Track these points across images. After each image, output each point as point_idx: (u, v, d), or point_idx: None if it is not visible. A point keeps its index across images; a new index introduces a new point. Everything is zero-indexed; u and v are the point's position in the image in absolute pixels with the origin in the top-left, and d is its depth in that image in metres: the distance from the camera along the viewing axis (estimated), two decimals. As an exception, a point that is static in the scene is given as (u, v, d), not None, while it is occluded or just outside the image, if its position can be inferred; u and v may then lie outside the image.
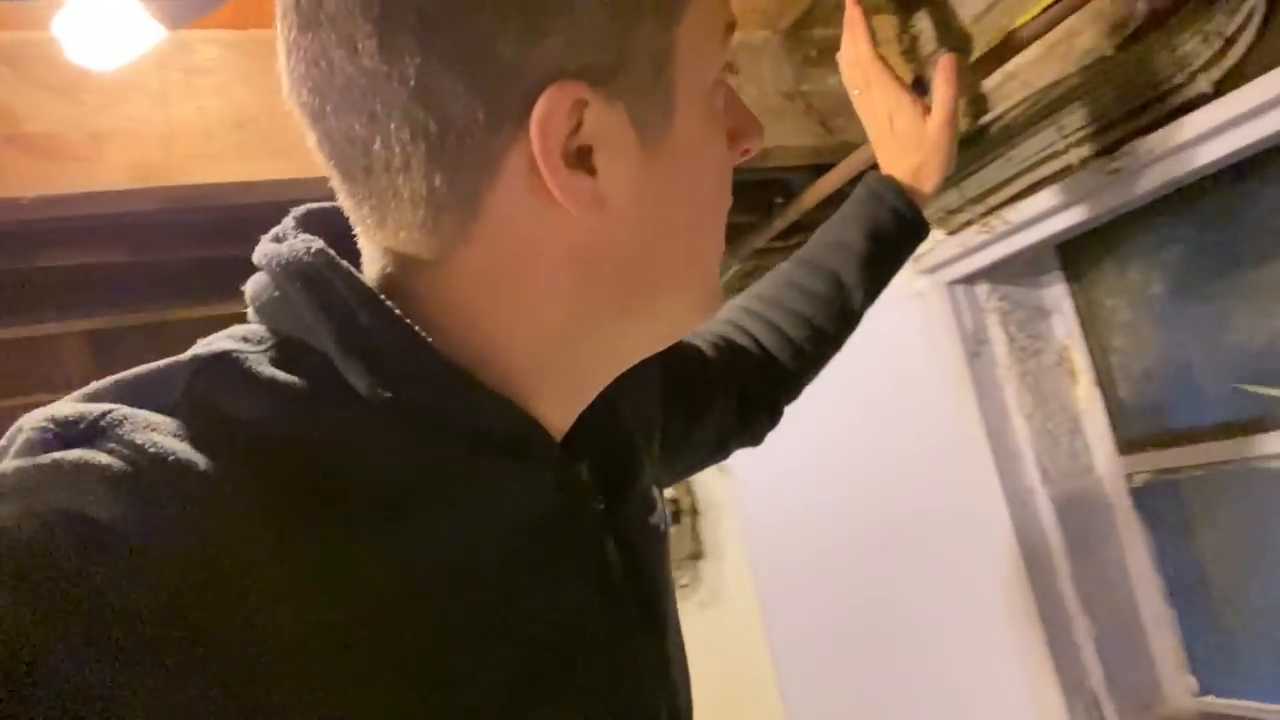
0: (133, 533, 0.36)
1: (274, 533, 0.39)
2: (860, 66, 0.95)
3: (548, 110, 0.41)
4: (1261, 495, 1.12)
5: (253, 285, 0.47)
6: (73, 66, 0.93)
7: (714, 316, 0.54)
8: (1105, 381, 1.30)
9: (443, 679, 0.43)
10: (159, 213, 1.08)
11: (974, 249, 1.27)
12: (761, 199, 1.45)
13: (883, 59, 0.94)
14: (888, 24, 1.24)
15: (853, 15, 0.95)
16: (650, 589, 0.56)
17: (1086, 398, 1.32)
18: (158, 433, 0.39)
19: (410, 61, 0.40)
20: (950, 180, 1.22)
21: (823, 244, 0.91)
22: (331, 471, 0.42)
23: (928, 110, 0.92)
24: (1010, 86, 1.21)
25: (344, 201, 0.47)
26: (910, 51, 1.26)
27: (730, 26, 0.49)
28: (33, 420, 0.39)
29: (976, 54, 1.22)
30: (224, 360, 0.43)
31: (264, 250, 0.47)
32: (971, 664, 1.35)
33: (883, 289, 0.92)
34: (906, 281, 0.93)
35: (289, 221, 0.49)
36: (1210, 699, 1.20)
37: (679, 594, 0.64)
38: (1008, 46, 1.05)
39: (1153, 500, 1.26)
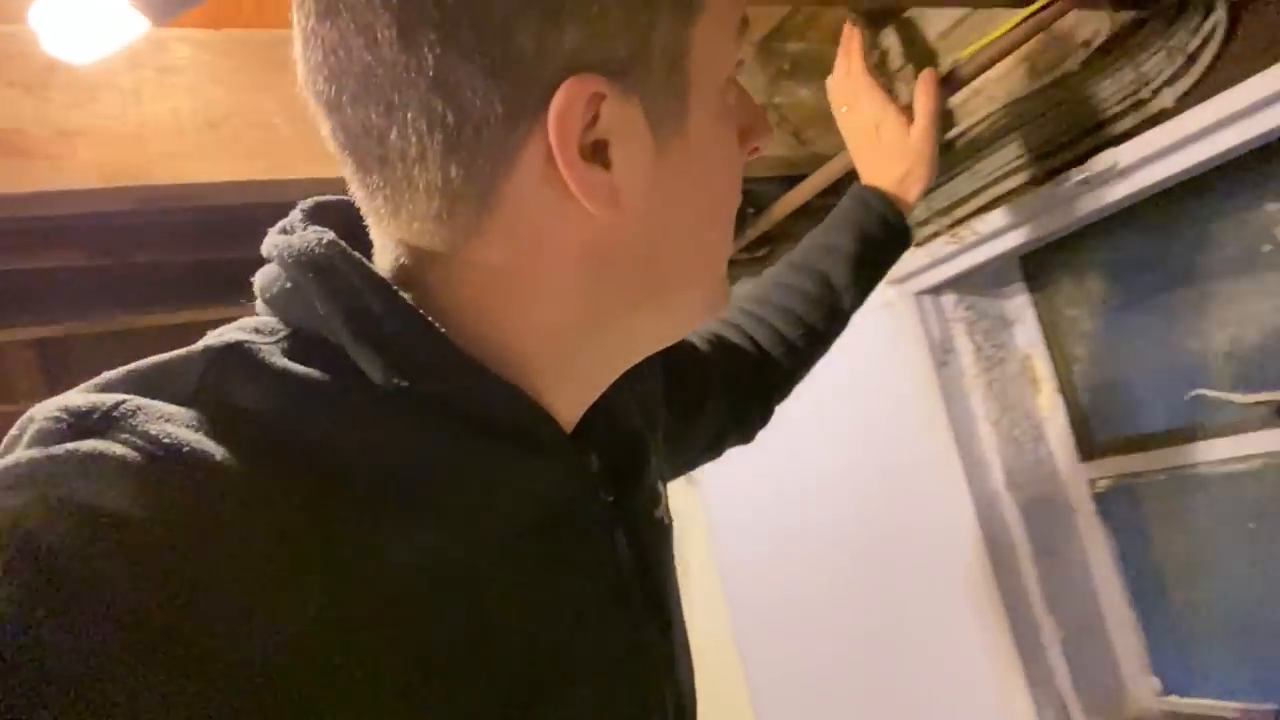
0: (147, 524, 0.35)
1: (291, 523, 0.39)
2: (851, 81, 1.00)
3: (565, 103, 0.41)
4: (1219, 498, 1.16)
5: (262, 277, 0.47)
6: (40, 62, 0.90)
7: (721, 314, 0.54)
8: (1067, 389, 1.34)
9: (462, 665, 0.42)
10: (122, 215, 1.06)
11: (941, 260, 1.30)
12: (732, 209, 1.46)
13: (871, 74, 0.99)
14: (856, 37, 1.26)
15: (850, 37, 1.01)
16: (657, 581, 0.57)
17: (1049, 405, 1.35)
18: (172, 423, 0.38)
19: (429, 52, 0.40)
20: (917, 193, 1.26)
21: (813, 248, 0.94)
22: (347, 462, 0.41)
23: (911, 121, 0.96)
24: (976, 102, 1.24)
25: (357, 192, 0.47)
26: (880, 66, 1.29)
27: (744, 23, 0.50)
28: (45, 410, 0.39)
29: (943, 70, 1.26)
30: (237, 351, 0.42)
31: (273, 242, 0.46)
32: (941, 667, 1.37)
33: (870, 292, 0.96)
34: (876, 292, 0.96)
35: (296, 214, 0.49)
36: (1173, 699, 1.23)
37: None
38: (974, 63, 1.08)
39: (1114, 505, 1.30)
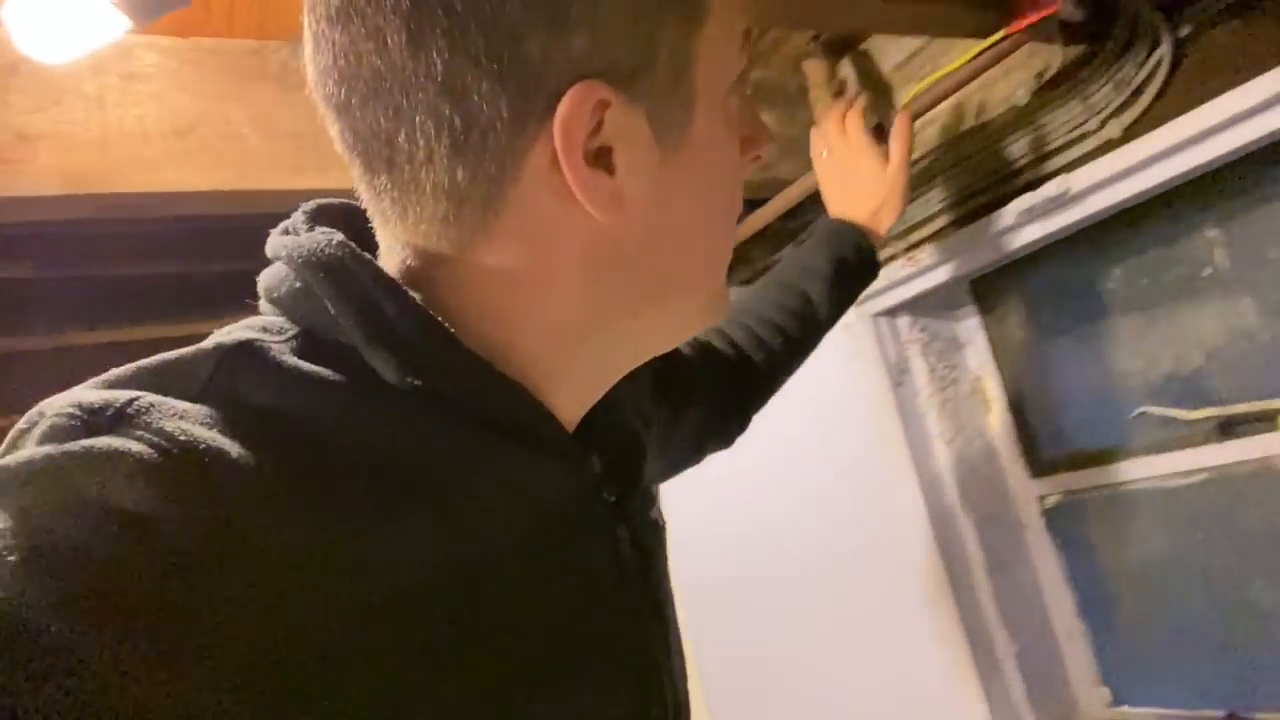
0: (166, 522, 0.35)
1: (308, 519, 0.39)
2: (843, 132, 1.08)
3: (571, 109, 0.41)
4: (1165, 512, 1.21)
5: (269, 277, 0.47)
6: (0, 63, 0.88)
7: (721, 319, 0.55)
8: (1016, 408, 1.38)
9: (474, 659, 0.43)
10: (78, 224, 1.03)
11: (897, 283, 1.34)
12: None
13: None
14: (819, 68, 1.31)
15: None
16: (656, 580, 0.57)
17: (999, 424, 1.39)
18: (186, 420, 0.38)
19: (438, 57, 0.40)
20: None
21: (792, 269, 1.00)
22: (359, 458, 0.41)
23: (886, 159, 1.04)
24: (930, 131, 1.29)
25: (364, 193, 0.47)
26: (841, 93, 1.32)
27: (748, 33, 0.51)
28: (56, 406, 0.38)
29: (899, 101, 1.31)
30: (248, 349, 0.42)
31: (279, 243, 0.47)
32: (899, 680, 1.38)
33: (842, 313, 1.02)
34: (836, 314, 1.01)
35: (299, 215, 0.49)
36: (1124, 709, 1.27)
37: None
38: (931, 94, 1.13)
39: (1063, 520, 1.34)
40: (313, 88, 0.46)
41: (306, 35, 0.45)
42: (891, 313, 1.40)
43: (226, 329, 0.45)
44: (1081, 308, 1.28)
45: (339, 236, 0.45)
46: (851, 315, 1.37)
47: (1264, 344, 1.07)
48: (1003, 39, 1.01)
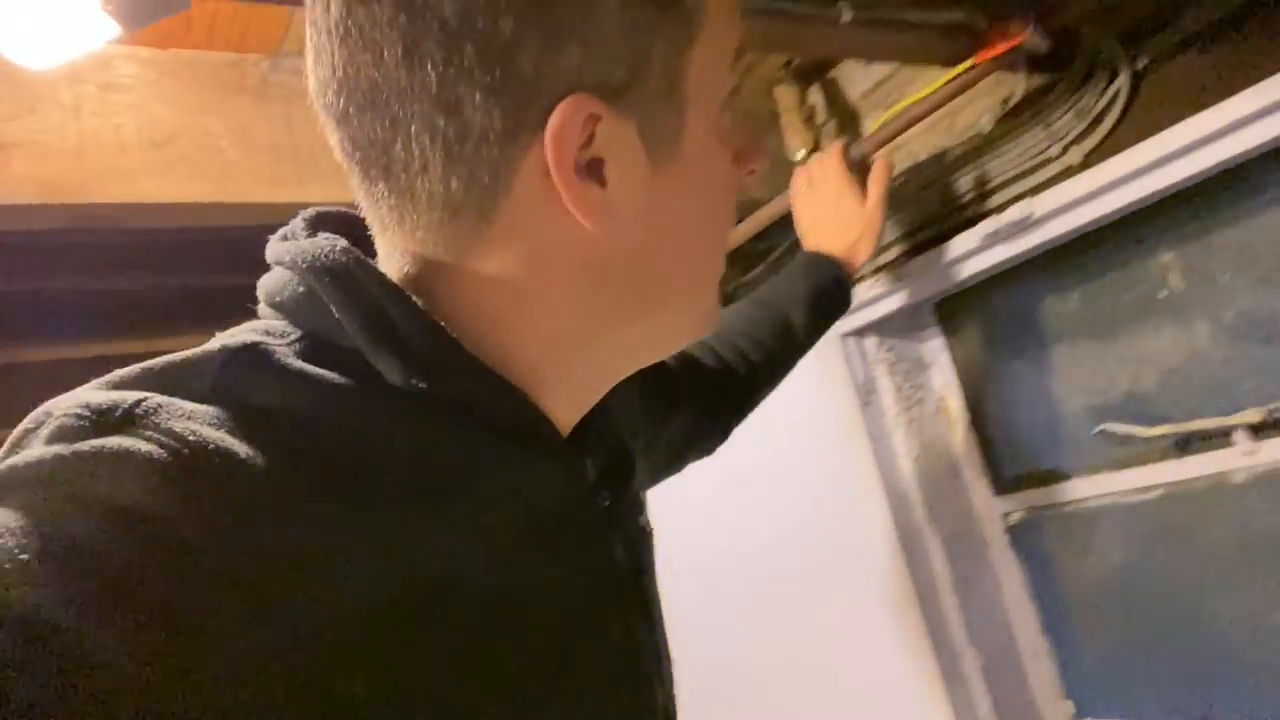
0: (178, 521, 0.36)
1: (317, 519, 0.39)
2: (820, 162, 1.15)
3: (562, 122, 0.42)
4: (1123, 527, 1.25)
5: (270, 282, 0.48)
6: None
7: (711, 331, 0.57)
8: (979, 427, 1.42)
9: (478, 658, 0.43)
10: (46, 235, 1.01)
11: (865, 304, 1.37)
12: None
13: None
14: (789, 94, 1.34)
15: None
16: (647, 584, 0.59)
17: (963, 443, 1.42)
18: (194, 421, 0.39)
19: (432, 70, 0.41)
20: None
21: (773, 292, 1.04)
22: (366, 459, 0.42)
23: (864, 196, 1.11)
24: (897, 156, 1.33)
25: (363, 201, 0.48)
26: (810, 120, 1.36)
27: (741, 50, 0.53)
28: (64, 406, 0.38)
29: (866, 128, 1.34)
30: (253, 351, 0.43)
31: (280, 249, 0.48)
32: (868, 696, 1.40)
33: (820, 337, 1.06)
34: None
35: (298, 223, 0.50)
36: (1087, 721, 1.30)
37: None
38: (899, 121, 1.17)
39: (1026, 537, 1.37)
40: (313, 97, 0.47)
41: (308, 47, 0.46)
42: (859, 333, 1.43)
43: (229, 332, 0.45)
44: (1042, 329, 1.32)
45: (343, 243, 0.46)
46: (820, 336, 1.40)
47: (1217, 363, 1.12)
48: (968, 69, 1.05)
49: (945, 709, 1.29)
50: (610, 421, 0.59)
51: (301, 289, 0.45)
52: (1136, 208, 1.08)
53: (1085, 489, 1.28)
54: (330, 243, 0.46)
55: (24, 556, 0.33)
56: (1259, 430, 1.09)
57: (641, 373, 0.70)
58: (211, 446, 0.38)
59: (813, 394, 1.43)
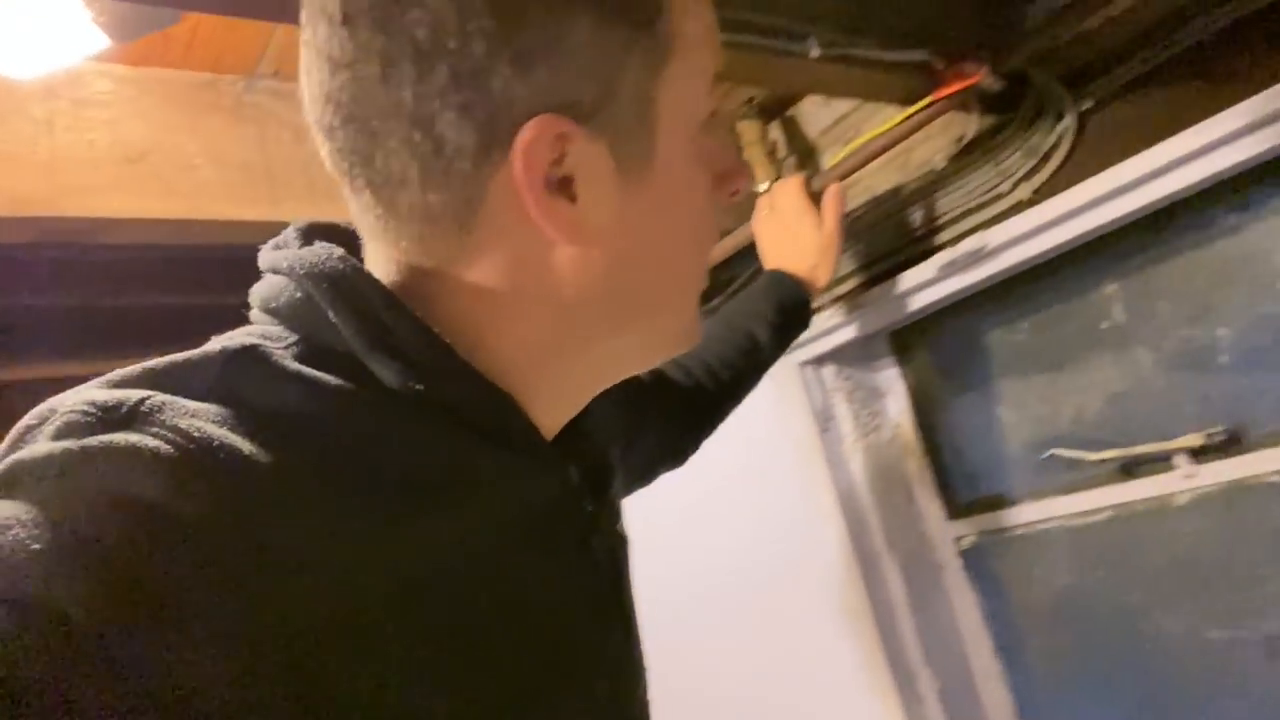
0: (186, 515, 0.36)
1: (319, 515, 0.40)
2: (781, 190, 1.20)
3: (530, 140, 0.44)
4: (1071, 550, 1.29)
5: (266, 288, 0.49)
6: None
7: (691, 347, 0.58)
8: (933, 453, 1.46)
9: (472, 657, 0.45)
10: (10, 249, 1.00)
11: (823, 333, 1.41)
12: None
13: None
14: (753, 129, 1.38)
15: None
16: (626, 589, 0.60)
17: (918, 469, 1.46)
18: (198, 418, 0.40)
19: (408, 89, 0.44)
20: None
21: (738, 311, 1.08)
22: (363, 459, 0.43)
23: (821, 224, 1.15)
24: (855, 191, 1.38)
25: (353, 210, 0.50)
26: (772, 154, 1.40)
27: (718, 76, 0.53)
28: (69, 403, 0.39)
29: (825, 164, 1.39)
30: (252, 353, 0.44)
31: (276, 256, 0.49)
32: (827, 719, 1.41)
33: (783, 352, 1.10)
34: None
35: (290, 232, 0.52)
36: (1039, 742, 1.33)
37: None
38: (857, 157, 1.22)
39: (979, 560, 1.41)
40: (306, 112, 0.49)
41: (301, 65, 0.48)
42: (818, 362, 1.47)
43: (227, 335, 0.46)
44: (992, 359, 1.37)
45: (340, 251, 0.48)
46: (779, 365, 1.43)
47: (1158, 390, 1.17)
48: (925, 106, 1.10)
49: (902, 730, 1.31)
50: (591, 431, 0.60)
51: (299, 295, 0.47)
52: (1081, 242, 1.14)
53: (1034, 513, 1.32)
54: (327, 250, 0.47)
55: (36, 547, 0.34)
56: (1198, 454, 1.14)
57: (615, 386, 0.72)
58: (216, 443, 0.39)
59: (773, 421, 1.46)
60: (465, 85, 0.43)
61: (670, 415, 0.91)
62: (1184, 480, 1.15)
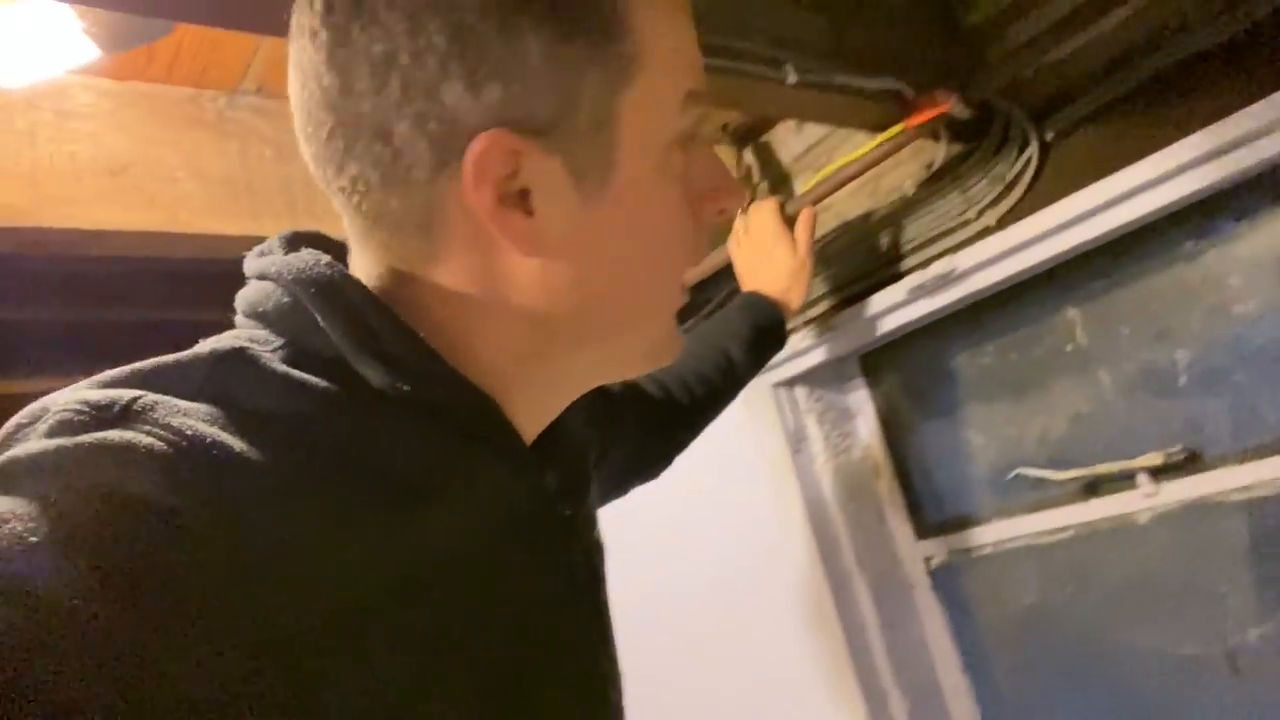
0: (180, 511, 0.37)
1: (310, 513, 0.42)
2: (755, 213, 1.24)
3: (479, 153, 0.45)
4: (1037, 568, 1.32)
5: (253, 293, 0.50)
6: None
7: (668, 363, 0.59)
8: (902, 474, 1.48)
9: (457, 653, 0.46)
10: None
11: (796, 354, 1.43)
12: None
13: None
14: (727, 154, 1.41)
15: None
16: (603, 596, 0.61)
17: (888, 490, 1.49)
18: (190, 417, 0.41)
19: (367, 100, 0.46)
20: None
21: (714, 330, 1.10)
22: (350, 458, 0.45)
23: (795, 247, 1.19)
24: (826, 216, 1.41)
25: (340, 213, 0.52)
26: (746, 179, 1.43)
27: (693, 94, 0.51)
28: (62, 402, 0.40)
29: (797, 190, 1.43)
30: (241, 355, 0.45)
31: (262, 263, 0.51)
32: (801, 743, 1.42)
33: (757, 371, 1.12)
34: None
35: (274, 241, 0.53)
36: (1006, 759, 1.35)
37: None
38: (829, 183, 1.25)
39: (947, 579, 1.43)
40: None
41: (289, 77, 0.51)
42: (790, 383, 1.49)
43: (215, 338, 0.47)
44: (959, 381, 1.40)
45: (327, 257, 0.49)
46: (753, 386, 1.45)
47: (1120, 410, 1.21)
48: (897, 134, 1.14)
49: (874, 749, 1.32)
50: (567, 439, 0.61)
51: (286, 300, 0.48)
52: (1045, 267, 1.18)
53: (1001, 532, 1.35)
54: (314, 257, 0.49)
55: (33, 540, 0.34)
56: (1158, 473, 1.17)
57: (589, 399, 0.73)
58: (209, 440, 0.40)
59: (747, 441, 1.48)
60: (418, 98, 0.45)
61: (644, 428, 0.93)
62: (1145, 499, 1.18)
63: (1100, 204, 1.06)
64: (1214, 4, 0.97)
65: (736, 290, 1.23)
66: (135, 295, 1.10)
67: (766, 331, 1.13)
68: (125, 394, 0.40)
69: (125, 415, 0.39)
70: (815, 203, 1.28)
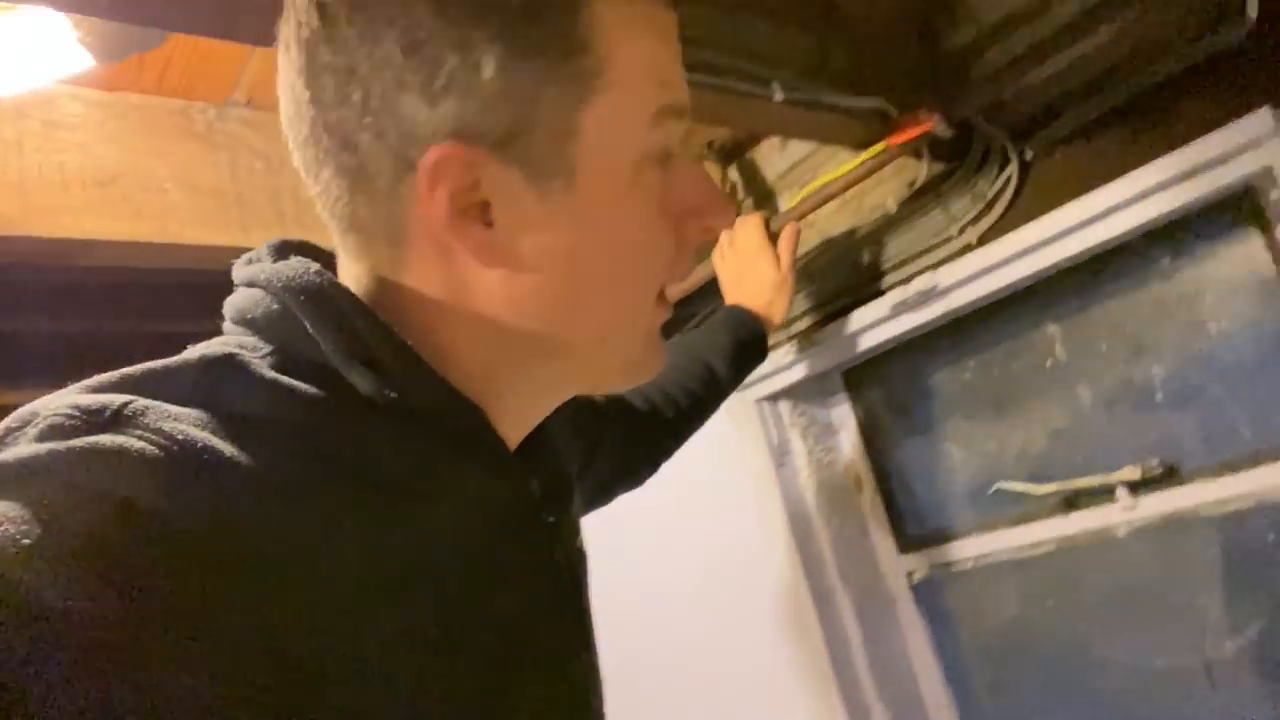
0: (171, 513, 0.38)
1: (301, 517, 0.42)
2: (740, 229, 1.25)
3: (433, 165, 0.46)
4: (1017, 581, 1.33)
5: (242, 300, 0.51)
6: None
7: (647, 379, 0.59)
8: (884, 489, 1.49)
9: (451, 649, 0.47)
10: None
11: (780, 369, 1.44)
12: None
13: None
14: (712, 170, 1.43)
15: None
16: (586, 602, 0.62)
17: (870, 504, 1.50)
18: (180, 422, 0.41)
19: (333, 111, 0.47)
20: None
21: (697, 343, 1.12)
22: (342, 464, 0.45)
23: (778, 262, 1.21)
24: (809, 233, 1.42)
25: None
26: (731, 195, 1.45)
27: (667, 111, 0.51)
28: (52, 407, 0.40)
29: (781, 207, 1.44)
30: (231, 361, 0.46)
31: (251, 271, 0.51)
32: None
33: (739, 384, 1.14)
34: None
35: (262, 249, 0.54)
36: (988, 771, 1.35)
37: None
38: (812, 200, 1.27)
39: (929, 593, 1.44)
40: None
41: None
42: (774, 398, 1.50)
43: (204, 344, 0.48)
44: (940, 396, 1.42)
45: (316, 265, 0.49)
46: (737, 399, 1.46)
47: (1099, 425, 1.23)
48: (880, 152, 1.15)
49: (857, 763, 1.32)
50: (551, 446, 0.62)
51: (275, 307, 0.48)
52: (1025, 284, 1.20)
53: (982, 546, 1.36)
54: (304, 265, 0.49)
55: (25, 542, 0.35)
56: (1136, 487, 1.19)
57: (574, 409, 0.74)
58: (200, 444, 0.40)
59: (731, 454, 1.49)
60: (378, 110, 0.46)
61: (628, 438, 0.94)
62: (1124, 513, 1.20)
63: (1079, 221, 1.08)
64: (1188, 30, 0.99)
65: (715, 310, 1.24)
66: (123, 306, 1.10)
67: (748, 345, 1.15)
68: (116, 399, 0.40)
69: (116, 420, 0.40)
70: (799, 219, 1.30)
